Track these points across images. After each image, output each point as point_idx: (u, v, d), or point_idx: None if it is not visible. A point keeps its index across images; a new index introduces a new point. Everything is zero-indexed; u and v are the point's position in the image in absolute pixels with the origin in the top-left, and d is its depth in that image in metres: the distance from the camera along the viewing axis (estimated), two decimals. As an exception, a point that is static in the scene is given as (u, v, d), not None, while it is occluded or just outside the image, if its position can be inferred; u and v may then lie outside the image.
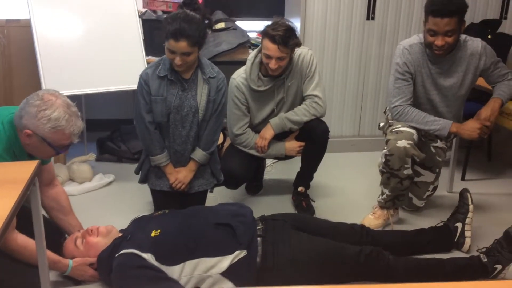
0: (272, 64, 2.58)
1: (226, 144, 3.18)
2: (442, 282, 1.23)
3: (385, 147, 2.57)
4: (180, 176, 2.59)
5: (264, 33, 2.58)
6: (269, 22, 2.62)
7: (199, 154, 2.59)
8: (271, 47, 2.54)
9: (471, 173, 3.41)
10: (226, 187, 2.92)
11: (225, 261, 2.13)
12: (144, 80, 2.49)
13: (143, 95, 2.49)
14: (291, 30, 2.56)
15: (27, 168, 1.67)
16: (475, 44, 2.59)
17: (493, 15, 3.68)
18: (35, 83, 2.97)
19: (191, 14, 2.33)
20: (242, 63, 2.81)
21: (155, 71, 2.47)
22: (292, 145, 2.82)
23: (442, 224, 2.57)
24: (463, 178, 3.36)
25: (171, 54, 2.33)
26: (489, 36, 3.47)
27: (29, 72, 3.24)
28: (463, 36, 2.57)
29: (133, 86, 3.23)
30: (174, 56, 2.33)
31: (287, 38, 2.53)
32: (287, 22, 2.59)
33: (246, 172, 2.86)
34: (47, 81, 2.97)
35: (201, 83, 2.49)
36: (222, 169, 2.86)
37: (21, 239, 1.99)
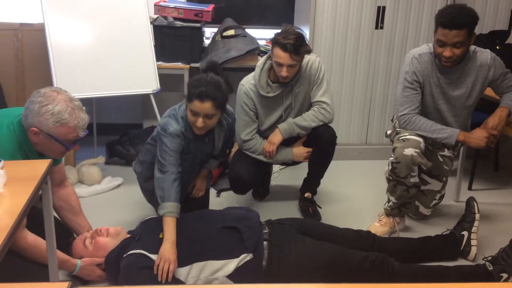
0: (284, 72, 2.60)
1: (234, 150, 3.20)
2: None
3: (392, 155, 2.58)
4: (198, 184, 2.71)
5: (275, 42, 2.59)
6: (279, 30, 2.65)
7: (213, 164, 2.73)
8: (282, 56, 2.56)
9: (478, 182, 3.41)
10: (234, 192, 2.95)
11: (231, 264, 2.15)
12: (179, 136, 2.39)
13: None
14: (302, 38, 2.58)
15: (40, 166, 1.70)
16: (484, 55, 2.60)
17: (502, 26, 3.69)
18: (47, 86, 3.01)
19: (216, 77, 2.35)
20: (251, 69, 2.83)
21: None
22: (300, 150, 2.84)
23: (448, 232, 2.58)
24: (470, 188, 3.36)
25: (194, 116, 2.31)
26: (497, 47, 3.48)
27: (41, 75, 3.29)
28: (472, 47, 2.58)
29: (143, 90, 3.30)
30: (196, 118, 2.31)
31: (298, 46, 2.54)
32: (297, 30, 2.61)
33: (254, 177, 2.88)
34: (59, 84, 3.01)
35: (218, 131, 2.56)
36: (229, 174, 2.89)
37: (31, 238, 2.01)
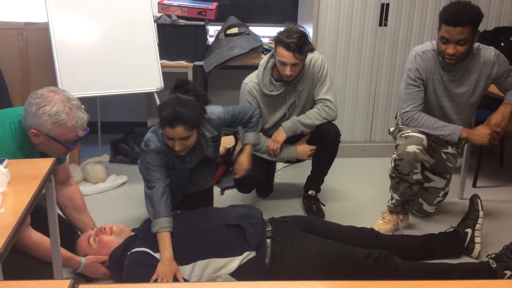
0: (288, 71, 2.60)
1: (238, 148, 3.21)
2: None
3: (395, 152, 2.58)
4: (240, 161, 2.63)
5: (278, 41, 2.59)
6: (282, 28, 2.65)
7: (250, 136, 2.64)
8: (286, 55, 2.56)
9: (482, 180, 3.40)
10: (239, 191, 2.96)
11: (235, 262, 2.16)
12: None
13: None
14: (305, 37, 2.58)
15: (43, 165, 1.72)
16: (488, 52, 2.59)
17: (507, 23, 3.67)
18: (52, 84, 2.96)
19: (183, 98, 2.25)
20: (255, 67, 2.84)
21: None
22: (304, 148, 2.84)
23: (452, 229, 2.57)
24: (474, 185, 3.35)
25: (170, 140, 2.25)
26: (502, 44, 3.47)
27: (46, 73, 3.31)
28: (476, 44, 2.57)
29: (147, 89, 3.32)
30: (173, 142, 2.25)
31: (301, 45, 2.55)
32: (300, 28, 2.61)
33: (259, 176, 2.88)
34: (63, 83, 3.03)
35: (203, 143, 2.46)
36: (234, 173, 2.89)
37: (35, 236, 2.03)
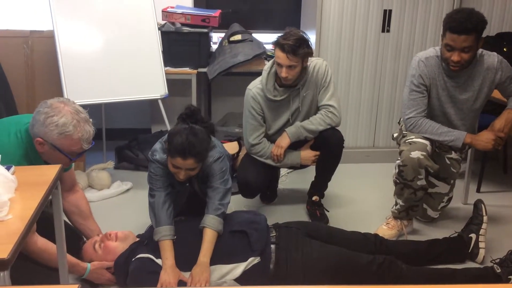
0: (283, 73, 2.62)
1: (242, 154, 3.22)
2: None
3: (399, 158, 2.59)
4: (194, 274, 2.16)
5: (275, 43, 2.64)
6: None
7: (211, 221, 2.28)
8: (280, 56, 2.60)
9: (486, 185, 3.40)
10: (243, 196, 2.96)
11: (239, 268, 2.17)
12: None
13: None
14: (302, 40, 2.60)
15: (50, 171, 1.73)
16: (491, 58, 2.59)
17: (509, 28, 3.68)
18: (57, 92, 3.05)
19: (196, 129, 2.21)
20: (258, 74, 2.85)
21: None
22: (308, 154, 2.85)
23: (456, 234, 2.57)
24: (478, 190, 3.35)
25: (175, 169, 2.23)
26: (504, 49, 3.48)
27: (51, 81, 3.34)
28: (479, 50, 2.57)
29: (151, 96, 3.34)
30: (178, 170, 2.23)
31: (296, 47, 2.57)
32: (299, 33, 2.64)
33: (262, 181, 2.90)
34: (68, 90, 3.06)
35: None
36: (238, 179, 2.90)
37: (41, 242, 2.04)
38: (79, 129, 1.99)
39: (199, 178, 2.39)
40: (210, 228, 2.23)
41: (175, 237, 2.25)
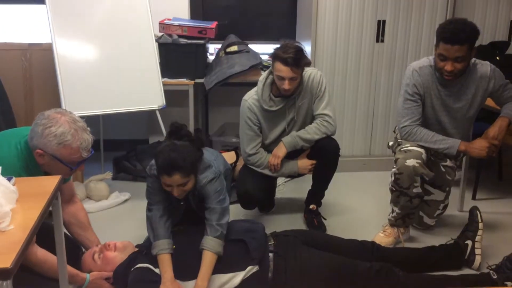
0: (286, 85, 2.65)
1: (239, 164, 3.24)
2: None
3: (394, 166, 2.62)
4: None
5: (275, 56, 2.65)
6: (279, 45, 2.70)
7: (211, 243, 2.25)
8: (284, 69, 2.61)
9: (482, 192, 3.43)
10: (242, 207, 2.98)
11: (238, 277, 2.18)
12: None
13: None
14: (301, 51, 2.64)
15: (50, 182, 1.75)
16: (484, 67, 2.63)
17: (502, 37, 3.74)
18: (55, 104, 3.05)
19: (178, 144, 2.21)
20: (255, 84, 2.88)
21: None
22: (304, 163, 2.88)
23: (452, 241, 2.60)
24: (474, 198, 3.38)
25: (168, 187, 2.23)
26: (497, 58, 3.53)
27: (50, 93, 3.36)
28: (472, 60, 2.61)
29: (149, 107, 3.36)
30: (171, 188, 2.23)
31: (298, 60, 2.60)
32: (295, 44, 2.67)
33: (261, 192, 2.92)
34: (67, 102, 3.08)
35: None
36: (237, 190, 2.92)
37: (40, 253, 2.04)
38: (77, 137, 2.00)
39: (195, 196, 2.39)
40: (209, 251, 2.21)
41: (174, 247, 2.26)
